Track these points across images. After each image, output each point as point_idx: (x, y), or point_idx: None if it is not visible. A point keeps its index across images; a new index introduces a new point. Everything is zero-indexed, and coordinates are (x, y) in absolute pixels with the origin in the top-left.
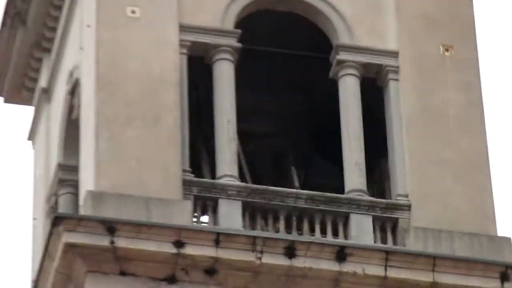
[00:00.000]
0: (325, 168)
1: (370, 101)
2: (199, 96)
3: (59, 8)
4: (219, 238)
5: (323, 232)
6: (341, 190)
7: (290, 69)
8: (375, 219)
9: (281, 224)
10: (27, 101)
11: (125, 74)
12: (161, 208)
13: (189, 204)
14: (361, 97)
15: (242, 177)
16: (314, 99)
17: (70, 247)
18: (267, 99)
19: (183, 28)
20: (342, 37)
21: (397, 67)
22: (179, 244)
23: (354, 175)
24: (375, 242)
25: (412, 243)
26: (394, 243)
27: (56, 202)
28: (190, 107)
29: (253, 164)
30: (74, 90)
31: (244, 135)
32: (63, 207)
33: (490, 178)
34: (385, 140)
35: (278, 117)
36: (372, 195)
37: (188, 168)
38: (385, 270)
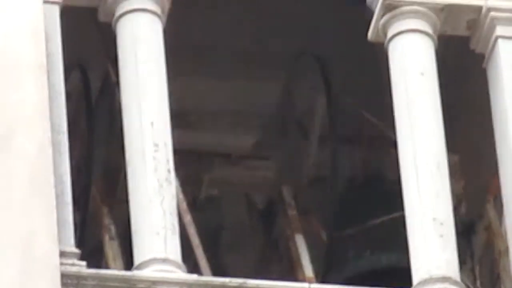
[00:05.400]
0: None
1: (454, 87)
2: (91, 93)
3: None
4: None
5: None
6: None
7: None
8: None
9: None
10: None
11: None
12: None
13: None
14: (438, 79)
15: (191, 263)
16: (329, 94)
17: None
18: (224, 82)
19: None
20: None
21: None
22: None
23: (432, 245)
24: None
25: None
26: None
27: None
28: (73, 113)
29: (218, 230)
30: None
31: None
32: None
33: None
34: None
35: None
36: None
37: (73, 250)
38: None
